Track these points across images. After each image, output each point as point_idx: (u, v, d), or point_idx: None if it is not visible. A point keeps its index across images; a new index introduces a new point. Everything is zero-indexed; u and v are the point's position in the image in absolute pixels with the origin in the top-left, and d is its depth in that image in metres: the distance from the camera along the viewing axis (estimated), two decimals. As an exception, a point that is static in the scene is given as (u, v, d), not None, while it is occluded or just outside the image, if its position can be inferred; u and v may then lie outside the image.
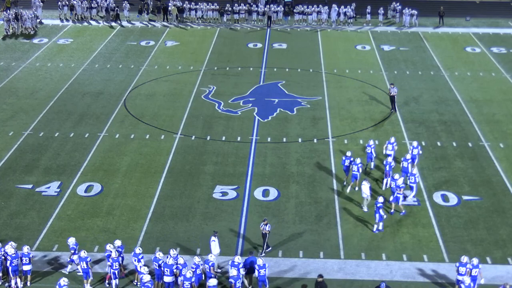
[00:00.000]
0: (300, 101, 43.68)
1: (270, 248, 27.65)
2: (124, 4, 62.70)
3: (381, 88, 45.82)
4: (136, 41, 56.50)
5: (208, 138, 38.20)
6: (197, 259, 25.20)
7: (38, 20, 60.51)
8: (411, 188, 31.77)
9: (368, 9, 61.71)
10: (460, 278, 24.84)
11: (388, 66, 50.81)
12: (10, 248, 25.43)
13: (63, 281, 24.00)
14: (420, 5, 63.99)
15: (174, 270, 24.84)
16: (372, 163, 34.36)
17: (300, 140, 38.08)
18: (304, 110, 42.26)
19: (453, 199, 31.94)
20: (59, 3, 62.84)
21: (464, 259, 25.08)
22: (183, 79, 47.88)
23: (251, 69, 50.21)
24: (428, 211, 30.85)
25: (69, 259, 26.21)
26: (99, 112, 41.61)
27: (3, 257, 25.54)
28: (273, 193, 32.38)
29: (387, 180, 32.50)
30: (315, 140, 38.04)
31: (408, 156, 33.08)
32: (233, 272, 24.64)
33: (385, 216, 29.14)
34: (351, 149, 36.21)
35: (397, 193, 30.37)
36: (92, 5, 63.51)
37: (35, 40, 56.68)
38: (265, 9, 62.55)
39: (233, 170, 34.48)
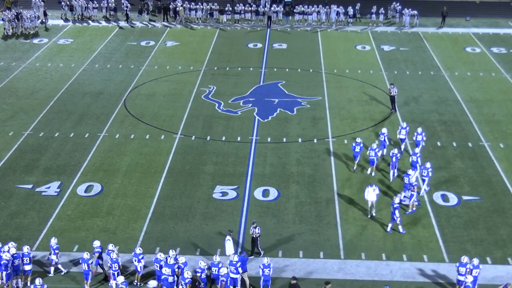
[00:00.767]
0: (300, 101, 43.68)
1: (262, 253, 27.32)
2: (125, 4, 62.70)
3: (381, 88, 45.82)
4: (136, 41, 56.50)
5: (208, 138, 38.20)
6: (202, 264, 25.05)
7: (39, 21, 60.30)
8: (423, 181, 32.19)
9: (374, 9, 61.75)
10: (460, 278, 24.87)
11: (388, 66, 50.81)
12: (12, 249, 25.46)
13: (38, 281, 24.04)
14: (420, 5, 63.98)
15: (176, 270, 24.85)
16: (385, 150, 35.30)
17: (300, 140, 38.09)
18: (304, 110, 42.26)
19: (453, 199, 31.94)
20: (62, 2, 62.88)
21: (465, 259, 25.09)
22: (183, 79, 47.88)
23: (251, 69, 50.21)
24: (428, 211, 30.85)
25: (50, 259, 26.09)
26: (99, 112, 41.61)
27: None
28: (273, 193, 32.38)
29: (393, 172, 33.30)
30: (315, 140, 38.04)
31: (417, 150, 33.88)
32: (224, 270, 24.59)
33: (399, 218, 29.10)
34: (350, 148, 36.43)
35: (411, 191, 30.49)
36: (94, 5, 63.47)
37: (35, 40, 56.67)
38: (265, 9, 62.57)
39: (233, 170, 34.49)
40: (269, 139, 38.05)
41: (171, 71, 49.44)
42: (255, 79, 47.98)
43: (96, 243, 26.15)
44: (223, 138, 38.15)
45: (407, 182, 30.86)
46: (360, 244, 28.34)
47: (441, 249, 28.08)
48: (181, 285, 24.40)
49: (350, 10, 61.81)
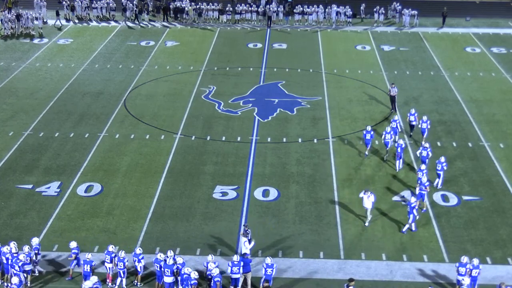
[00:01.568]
0: (300, 101, 43.68)
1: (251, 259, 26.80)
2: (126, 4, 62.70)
3: (381, 88, 45.82)
4: (136, 41, 56.51)
5: (208, 138, 38.20)
6: (212, 265, 24.88)
7: (41, 21, 60.13)
8: (438, 176, 32.51)
9: (375, 9, 61.75)
10: (460, 278, 24.86)
11: (388, 66, 50.81)
12: (13, 248, 25.47)
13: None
14: (420, 5, 63.98)
15: (174, 270, 24.85)
16: (397, 137, 36.41)
17: (300, 140, 38.08)
18: (304, 110, 42.26)
19: (453, 199, 31.94)
20: (63, 2, 62.89)
21: (464, 259, 25.08)
22: (183, 79, 47.89)
23: (251, 69, 50.21)
24: (428, 211, 30.84)
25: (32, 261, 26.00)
26: (99, 112, 41.61)
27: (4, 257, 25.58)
28: (273, 193, 32.38)
29: (399, 162, 34.24)
30: (315, 140, 38.04)
31: (427, 145, 34.50)
32: (216, 271, 24.53)
33: (418, 217, 29.16)
34: (353, 148, 36.41)
35: (421, 191, 30.56)
36: (93, 5, 63.55)
37: (35, 40, 56.68)
38: (265, 9, 62.58)
39: (233, 170, 34.48)
40: (269, 139, 38.05)
41: (171, 71, 49.44)
42: (255, 79, 47.98)
43: (73, 244, 26.08)
44: (223, 138, 38.15)
45: (420, 177, 31.37)
46: (360, 244, 28.34)
47: (441, 249, 28.07)
48: (187, 285, 24.26)
49: (348, 10, 61.80)
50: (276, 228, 29.37)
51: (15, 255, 25.17)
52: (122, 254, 25.40)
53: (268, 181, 33.50)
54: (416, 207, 28.95)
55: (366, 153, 35.84)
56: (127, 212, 30.70)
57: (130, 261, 25.75)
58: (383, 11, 62.35)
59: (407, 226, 29.05)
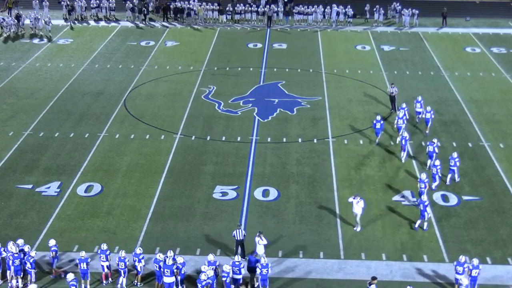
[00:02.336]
0: (300, 101, 43.68)
1: (244, 259, 26.55)
2: (127, 4, 62.68)
3: (381, 88, 45.83)
4: (136, 41, 56.52)
5: (208, 138, 38.20)
6: (227, 267, 24.76)
7: (44, 21, 59.81)
8: (450, 171, 32.89)
9: (375, 8, 61.74)
10: (458, 277, 24.85)
11: (388, 66, 50.82)
12: (14, 247, 25.50)
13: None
14: (420, 5, 63.97)
15: (174, 270, 24.85)
16: (403, 127, 37.45)
17: (300, 140, 38.09)
18: (304, 110, 42.26)
19: (453, 199, 31.94)
20: (63, 2, 62.88)
21: (462, 258, 25.08)
22: (183, 79, 47.89)
23: (251, 69, 50.22)
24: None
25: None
26: (99, 112, 41.61)
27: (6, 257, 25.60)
28: (273, 193, 32.38)
29: (404, 154, 35.16)
30: (315, 140, 38.04)
31: (435, 140, 34.79)
32: (210, 272, 24.51)
33: (430, 215, 29.24)
34: (353, 148, 36.43)
35: (421, 189, 30.68)
36: (92, 5, 63.55)
37: (35, 40, 56.68)
38: (265, 9, 62.57)
39: (233, 170, 34.48)
40: (269, 139, 38.05)
41: (171, 71, 49.44)
42: (255, 79, 47.98)
43: (52, 242, 26.11)
44: (223, 138, 38.15)
45: (434, 173, 32.19)
46: (360, 244, 28.34)
47: (441, 249, 28.07)
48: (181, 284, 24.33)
49: (350, 10, 61.80)
50: (276, 228, 29.37)
51: (16, 255, 25.20)
52: (122, 253, 25.44)
53: (268, 181, 33.50)
54: (427, 203, 29.11)
55: (377, 141, 37.06)
56: (127, 212, 30.70)
57: (130, 261, 25.77)
58: (383, 11, 62.34)
59: (418, 222, 29.05)
